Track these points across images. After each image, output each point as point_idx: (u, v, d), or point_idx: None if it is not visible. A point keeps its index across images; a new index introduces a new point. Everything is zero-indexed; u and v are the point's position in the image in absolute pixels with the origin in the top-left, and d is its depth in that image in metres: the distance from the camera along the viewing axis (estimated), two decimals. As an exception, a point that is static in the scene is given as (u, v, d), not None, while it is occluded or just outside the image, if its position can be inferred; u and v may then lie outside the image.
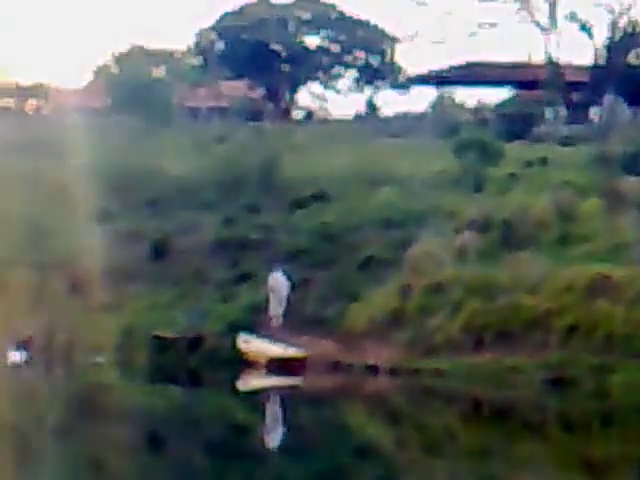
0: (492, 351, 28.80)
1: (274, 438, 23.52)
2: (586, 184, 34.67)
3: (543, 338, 28.82)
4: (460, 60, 51.09)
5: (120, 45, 52.07)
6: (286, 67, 52.62)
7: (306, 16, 52.28)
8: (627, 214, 31.23)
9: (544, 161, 37.29)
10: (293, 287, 32.15)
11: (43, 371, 32.53)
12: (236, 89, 51.11)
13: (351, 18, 52.84)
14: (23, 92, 51.50)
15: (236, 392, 29.31)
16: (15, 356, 32.79)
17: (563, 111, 47.67)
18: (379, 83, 53.51)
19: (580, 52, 50.56)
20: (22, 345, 33.19)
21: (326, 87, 54.02)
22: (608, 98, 46.32)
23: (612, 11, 48.77)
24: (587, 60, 49.82)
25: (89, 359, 32.90)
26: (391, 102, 53.25)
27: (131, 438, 22.38)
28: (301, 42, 53.06)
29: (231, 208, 36.75)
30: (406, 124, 46.42)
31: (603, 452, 21.20)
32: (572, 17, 49.13)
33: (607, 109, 45.62)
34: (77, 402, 27.90)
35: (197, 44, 54.00)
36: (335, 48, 52.95)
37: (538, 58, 50.70)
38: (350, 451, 21.17)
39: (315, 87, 54.25)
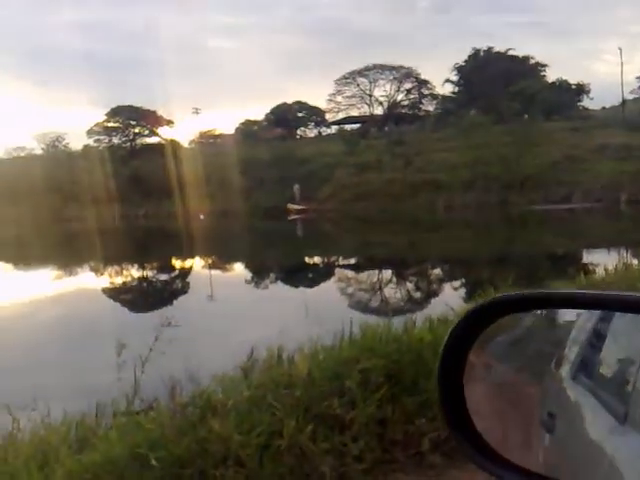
0: (360, 202, 32.10)
1: (300, 231, 28.50)
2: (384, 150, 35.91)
3: (376, 199, 31.73)
4: (347, 114, 47.80)
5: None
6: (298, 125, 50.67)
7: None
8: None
9: (370, 145, 38.24)
10: (301, 189, 35.56)
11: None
12: (276, 132, 47.61)
13: (319, 109, 50.25)
14: (212, 137, 46.81)
15: (288, 220, 31.78)
16: (201, 217, 33.26)
17: (376, 129, 44.14)
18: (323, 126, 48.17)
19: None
20: (202, 214, 33.63)
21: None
22: (389, 125, 45.05)
23: (388, 95, 47.13)
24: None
25: (236, 220, 32.23)
26: (326, 131, 50.80)
27: (265, 234, 26.28)
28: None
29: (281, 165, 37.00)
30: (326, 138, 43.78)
31: (398, 229, 24.92)
32: (376, 101, 46.76)
33: (389, 128, 43.74)
34: (242, 226, 29.78)
35: (274, 113, 50.07)
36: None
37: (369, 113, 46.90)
38: (316, 235, 25.62)
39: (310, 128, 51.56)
